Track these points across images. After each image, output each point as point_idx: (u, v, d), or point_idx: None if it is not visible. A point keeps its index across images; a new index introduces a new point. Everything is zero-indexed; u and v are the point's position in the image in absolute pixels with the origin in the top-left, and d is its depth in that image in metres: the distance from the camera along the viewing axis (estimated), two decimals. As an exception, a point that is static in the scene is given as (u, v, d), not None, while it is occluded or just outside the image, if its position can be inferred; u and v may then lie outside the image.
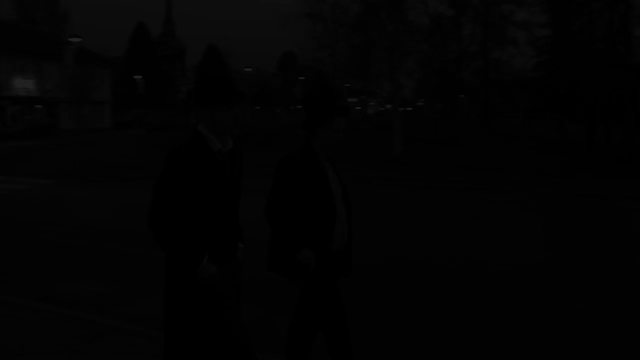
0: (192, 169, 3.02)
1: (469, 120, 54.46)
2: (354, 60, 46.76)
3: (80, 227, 10.49)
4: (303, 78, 67.71)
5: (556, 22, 39.02)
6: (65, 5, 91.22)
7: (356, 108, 74.85)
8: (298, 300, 3.78)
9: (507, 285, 6.84)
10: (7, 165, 22.21)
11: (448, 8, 41.04)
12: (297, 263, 3.60)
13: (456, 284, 6.92)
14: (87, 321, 5.23)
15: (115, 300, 6.25)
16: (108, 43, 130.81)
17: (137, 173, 18.17)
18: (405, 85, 48.55)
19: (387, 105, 77.76)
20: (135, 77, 68.15)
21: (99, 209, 12.66)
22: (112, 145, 31.73)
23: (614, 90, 27.54)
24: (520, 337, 5.19)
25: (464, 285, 6.85)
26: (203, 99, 3.16)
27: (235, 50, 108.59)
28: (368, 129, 41.17)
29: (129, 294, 6.50)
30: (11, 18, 66.50)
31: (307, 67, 66.76)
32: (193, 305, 3.06)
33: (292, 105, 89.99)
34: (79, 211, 12.39)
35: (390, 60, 28.13)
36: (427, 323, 5.54)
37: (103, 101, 60.26)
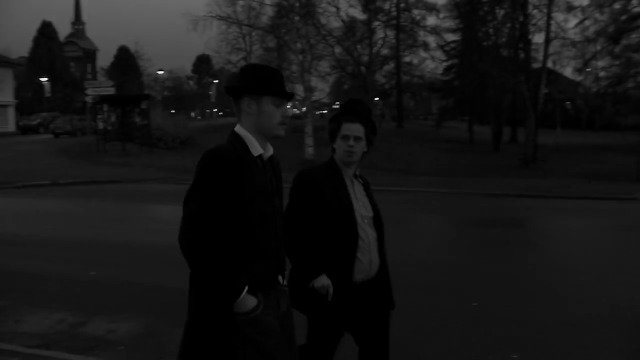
0: (233, 178, 2.45)
1: (383, 122, 55.48)
2: (268, 63, 46.71)
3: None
4: (217, 81, 66.90)
5: (464, 28, 40.46)
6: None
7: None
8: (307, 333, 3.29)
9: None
10: None
11: (361, 12, 41.67)
12: (313, 293, 3.12)
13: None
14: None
15: None
16: (11, 43, 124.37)
17: (40, 180, 17.31)
18: (321, 89, 48.97)
19: (303, 108, 78.02)
20: (41, 79, 65.13)
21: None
22: (15, 150, 30.08)
23: (516, 93, 28.80)
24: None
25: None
26: (253, 90, 2.61)
27: (148, 52, 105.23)
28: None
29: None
30: None
31: (222, 70, 66.08)
32: (225, 347, 2.45)
33: (207, 108, 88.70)
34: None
35: (302, 64, 28.10)
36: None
37: (6, 104, 57.24)
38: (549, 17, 28.81)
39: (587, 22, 42.00)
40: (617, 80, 40.77)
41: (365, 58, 37.04)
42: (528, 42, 29.80)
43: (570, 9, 33.96)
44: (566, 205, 14.16)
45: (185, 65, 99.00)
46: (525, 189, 16.70)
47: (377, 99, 52.76)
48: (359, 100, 3.52)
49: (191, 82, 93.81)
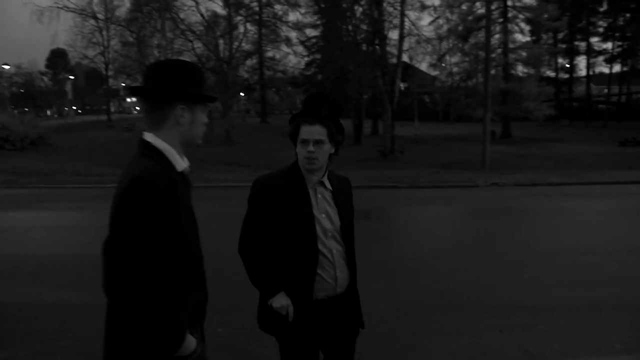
0: (170, 206, 2.07)
1: (248, 118, 55.26)
2: (127, 58, 44.88)
3: None
4: (74, 77, 63.41)
5: (325, 23, 41.10)
6: None
7: (136, 108, 72.00)
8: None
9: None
10: None
11: (222, 7, 41.03)
12: (273, 313, 2.88)
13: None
14: None
15: None
16: None
17: None
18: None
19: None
20: None
21: None
22: None
23: (375, 87, 29.70)
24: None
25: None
26: (190, 98, 2.22)
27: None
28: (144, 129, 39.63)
29: None
30: None
31: (79, 66, 62.81)
32: None
33: (64, 106, 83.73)
34: None
35: (159, 60, 27.14)
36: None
37: None
38: (403, 15, 29.88)
39: (440, 21, 44.39)
40: (467, 75, 43.43)
41: (227, 53, 36.55)
42: (384, 38, 30.75)
43: (423, 7, 35.53)
44: (414, 195, 14.71)
45: (38, 60, 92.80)
46: (378, 180, 17.23)
47: (242, 94, 52.46)
48: (321, 95, 3.01)
49: (45, 78, 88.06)
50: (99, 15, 48.08)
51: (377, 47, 31.01)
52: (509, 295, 6.29)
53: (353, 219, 3.08)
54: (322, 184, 2.97)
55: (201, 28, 36.60)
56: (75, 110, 76.87)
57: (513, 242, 9.16)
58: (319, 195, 2.95)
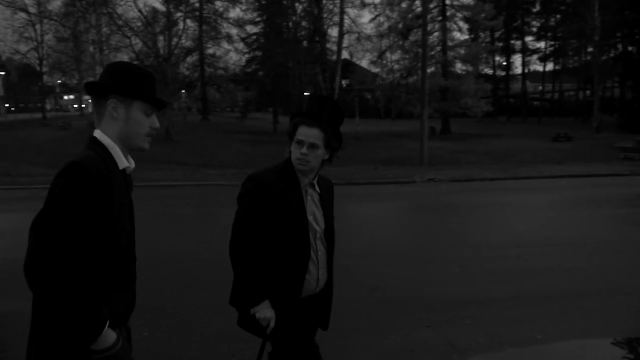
0: (103, 195, 2.05)
1: (189, 115, 54.48)
2: (63, 54, 43.56)
3: None
4: (5, 73, 61.01)
5: (266, 20, 40.93)
6: None
7: (74, 106, 69.92)
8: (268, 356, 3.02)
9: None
10: None
11: (161, 3, 40.27)
12: (253, 318, 2.84)
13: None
14: None
15: None
16: None
17: None
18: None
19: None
20: None
21: None
22: None
23: (315, 84, 29.76)
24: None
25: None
26: (123, 92, 2.21)
27: None
28: (82, 127, 38.60)
29: None
30: None
31: (11, 61, 60.53)
32: None
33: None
34: None
35: (98, 55, 26.46)
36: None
37: None
38: (342, 12, 30.02)
39: (381, 19, 44.87)
40: (408, 72, 44.02)
41: (166, 50, 35.88)
42: (324, 35, 30.85)
43: (364, 5, 35.86)
44: (351, 192, 14.77)
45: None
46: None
47: (183, 92, 51.68)
48: (325, 99, 2.94)
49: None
50: (31, 9, 46.50)
51: (317, 44, 31.07)
52: (438, 290, 6.38)
53: (333, 221, 3.07)
54: (312, 185, 2.95)
55: (139, 24, 35.81)
56: (8, 108, 73.95)
57: (446, 238, 9.32)
58: (309, 197, 2.93)
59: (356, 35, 34.33)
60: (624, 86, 51.77)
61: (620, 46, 50.15)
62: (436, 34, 45.05)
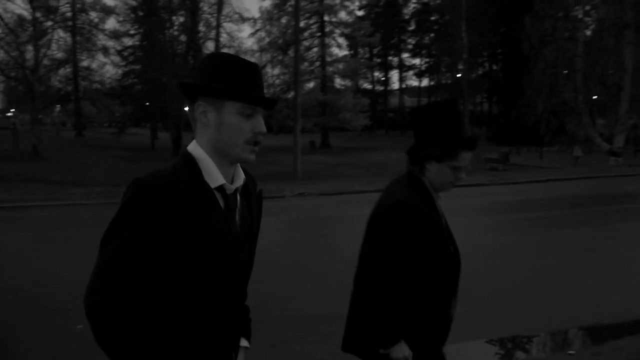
0: (166, 219, 1.66)
1: (62, 131, 51.94)
2: None
3: None
4: None
5: (143, 33, 39.84)
6: None
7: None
8: None
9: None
10: None
11: (27, 11, 38.16)
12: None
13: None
14: None
15: None
16: None
17: None
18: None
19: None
20: None
21: None
22: None
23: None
24: None
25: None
26: (210, 92, 1.76)
27: None
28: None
29: None
30: None
31: None
32: None
33: None
34: None
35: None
36: None
37: None
38: (219, 26, 29.86)
39: (262, 33, 45.11)
40: (287, 87, 44.48)
41: (32, 62, 34.00)
42: (199, 50, 30.50)
43: (243, 19, 35.87)
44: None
45: None
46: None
47: (57, 106, 49.19)
48: (458, 111, 2.69)
49: None
50: None
51: (193, 58, 30.70)
52: (286, 307, 6.36)
53: None
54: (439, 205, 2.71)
55: (1, 33, 33.72)
56: None
57: (306, 253, 9.38)
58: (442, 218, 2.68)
59: (235, 49, 34.19)
60: (491, 101, 55.30)
61: (487, 64, 53.51)
62: (315, 49, 45.91)
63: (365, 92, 58.82)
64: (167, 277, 1.70)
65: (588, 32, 33.89)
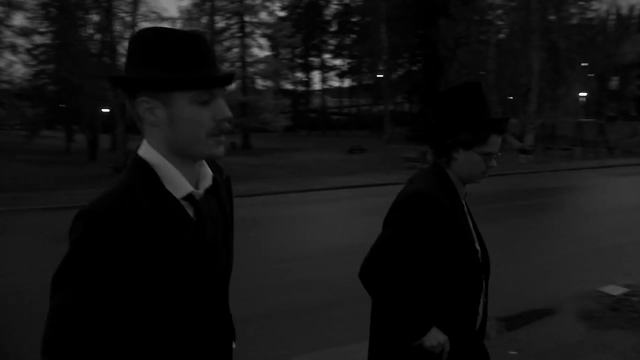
0: (129, 252, 1.36)
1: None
2: None
3: None
4: None
5: (55, 31, 38.29)
6: None
7: None
8: None
9: None
10: None
11: None
12: (417, 355, 2.31)
13: None
14: None
15: None
16: None
17: None
18: None
19: None
20: None
21: None
22: None
23: (103, 100, 28.54)
24: None
25: None
26: (146, 84, 1.41)
27: None
28: None
29: None
30: None
31: None
32: None
33: None
34: None
35: None
36: None
37: None
38: (134, 26, 29.10)
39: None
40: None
41: None
42: (113, 49, 29.59)
43: (162, 19, 35.06)
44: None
45: None
46: (87, 199, 16.29)
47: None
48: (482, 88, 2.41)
49: None
50: None
51: (107, 58, 29.77)
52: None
53: None
54: (464, 198, 2.53)
55: None
56: None
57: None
58: (467, 212, 2.50)
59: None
60: (411, 101, 56.54)
61: (407, 65, 54.62)
62: (236, 50, 45.52)
63: (287, 92, 58.79)
64: (141, 309, 1.43)
65: (501, 36, 35.28)
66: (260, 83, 46.82)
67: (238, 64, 44.91)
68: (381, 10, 47.50)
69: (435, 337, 2.29)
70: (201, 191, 1.53)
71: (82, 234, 1.35)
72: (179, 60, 1.40)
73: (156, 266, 1.40)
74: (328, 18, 67.97)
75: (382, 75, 52.41)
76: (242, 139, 44.37)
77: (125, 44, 30.96)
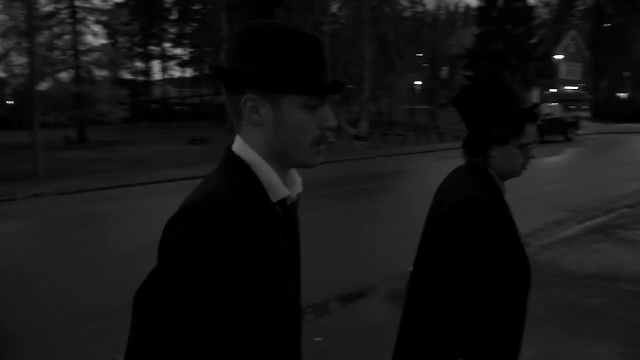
0: (239, 255, 1.22)
1: None
2: None
3: None
4: None
5: None
6: None
7: None
8: None
9: None
10: None
11: None
12: None
13: None
14: None
15: None
16: None
17: None
18: None
19: None
20: None
21: None
22: None
23: None
24: None
25: None
26: (263, 84, 1.29)
27: None
28: None
29: None
30: None
31: None
32: None
33: None
34: None
35: None
36: None
37: None
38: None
39: (3, 16, 40.82)
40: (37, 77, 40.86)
41: None
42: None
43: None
44: None
45: None
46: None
47: None
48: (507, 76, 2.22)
49: None
50: None
51: None
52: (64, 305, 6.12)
53: None
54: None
55: None
56: None
57: (28, 259, 8.67)
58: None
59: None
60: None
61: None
62: (67, 37, 42.74)
63: (126, 82, 56.34)
64: (237, 326, 1.28)
65: (336, 26, 36.33)
66: (96, 73, 44.36)
67: (70, 52, 42.22)
68: (221, -1, 46.92)
69: None
70: (294, 196, 1.49)
71: (184, 234, 1.22)
72: (298, 62, 1.33)
73: (257, 276, 1.28)
74: (168, 6, 66.02)
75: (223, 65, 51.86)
76: (77, 132, 41.85)
77: None
